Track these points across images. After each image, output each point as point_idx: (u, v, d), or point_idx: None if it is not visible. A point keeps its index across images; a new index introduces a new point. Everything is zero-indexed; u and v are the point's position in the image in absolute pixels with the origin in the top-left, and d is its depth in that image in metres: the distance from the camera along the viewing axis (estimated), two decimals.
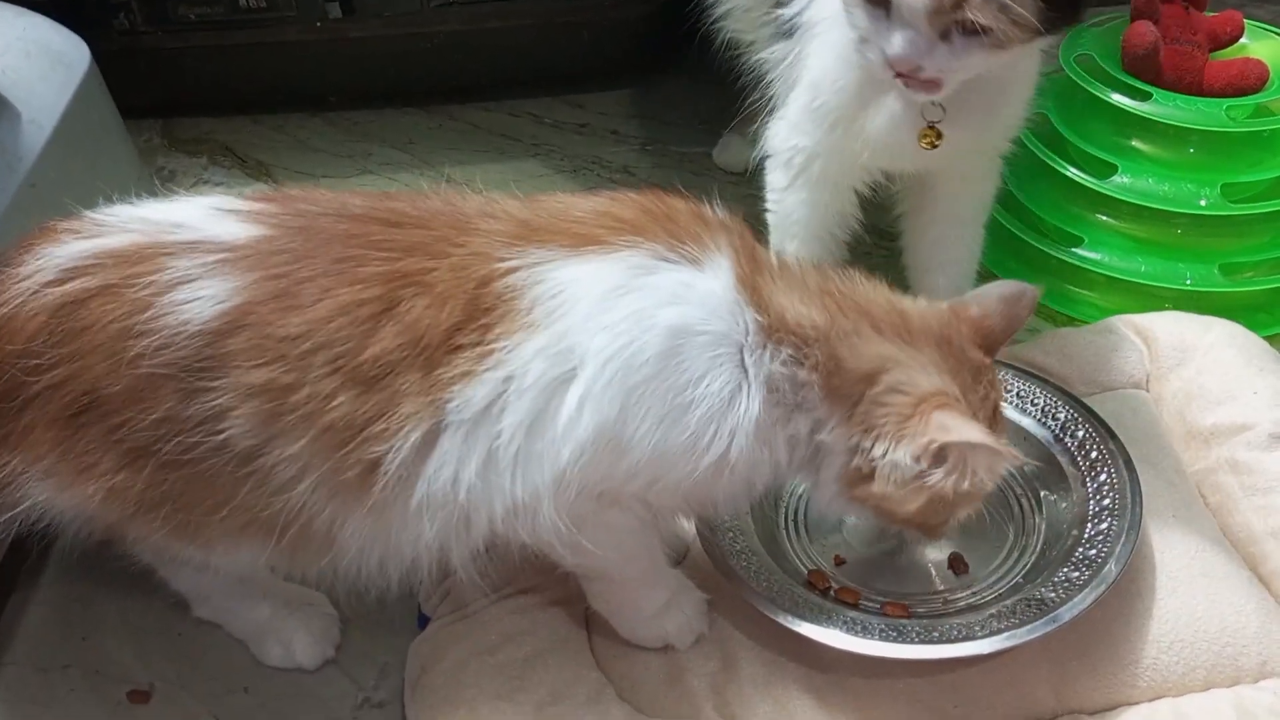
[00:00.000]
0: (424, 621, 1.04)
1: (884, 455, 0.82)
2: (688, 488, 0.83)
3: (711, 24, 1.36)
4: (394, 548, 0.86)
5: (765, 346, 0.81)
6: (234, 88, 1.80)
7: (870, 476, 0.84)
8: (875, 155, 1.14)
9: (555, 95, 1.84)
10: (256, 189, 1.42)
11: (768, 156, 1.21)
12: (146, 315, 0.79)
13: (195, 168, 1.72)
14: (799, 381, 0.82)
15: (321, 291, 0.80)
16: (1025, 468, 1.06)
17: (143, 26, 1.68)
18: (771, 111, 1.22)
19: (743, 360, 0.81)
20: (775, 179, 1.21)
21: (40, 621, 1.10)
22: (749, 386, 0.81)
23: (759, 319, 0.81)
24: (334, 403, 0.78)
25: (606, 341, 0.78)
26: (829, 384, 0.83)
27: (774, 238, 1.24)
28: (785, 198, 1.21)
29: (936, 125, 1.07)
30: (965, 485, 0.83)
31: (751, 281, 0.83)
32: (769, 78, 1.22)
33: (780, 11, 1.17)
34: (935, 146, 1.09)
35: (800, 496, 1.08)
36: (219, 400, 0.79)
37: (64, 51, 1.35)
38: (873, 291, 0.88)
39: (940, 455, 0.82)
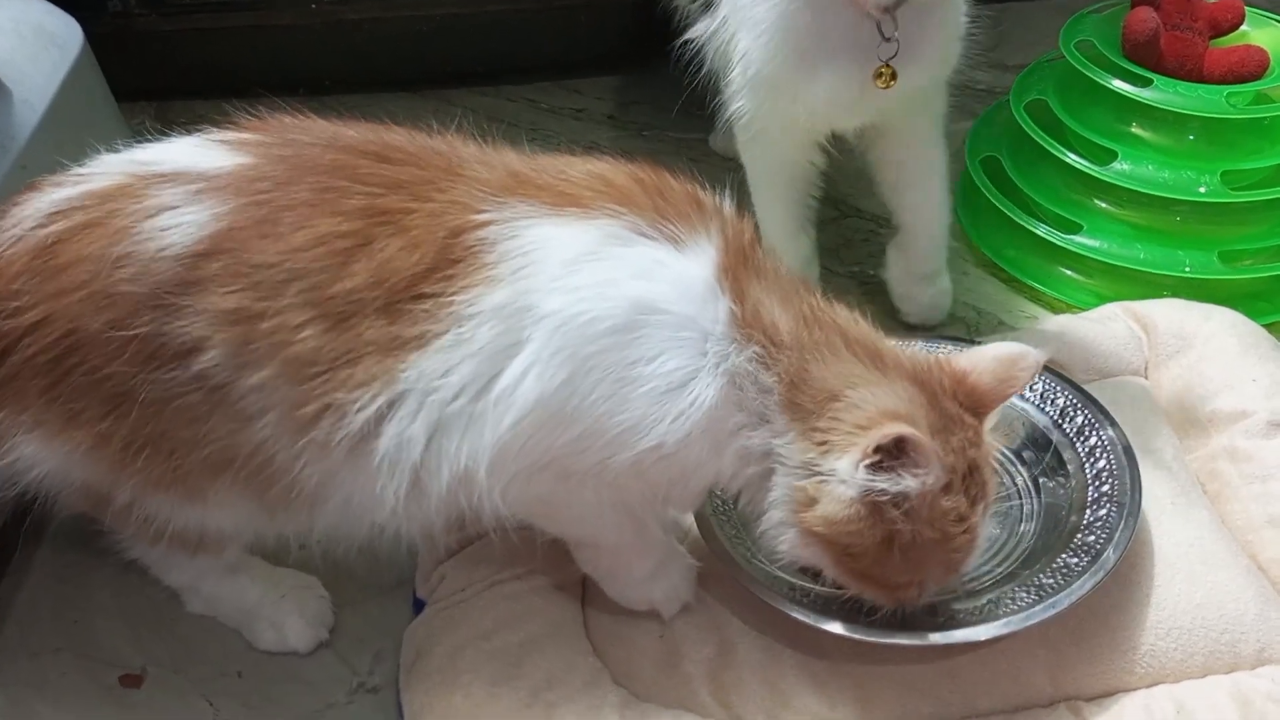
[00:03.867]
0: (419, 606, 1.04)
1: (832, 469, 0.78)
2: (631, 472, 0.80)
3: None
4: (358, 508, 0.85)
5: (734, 339, 0.79)
6: (228, 71, 1.78)
7: (815, 499, 0.79)
8: (821, 118, 1.17)
9: (552, 80, 1.83)
10: None
11: (730, 117, 1.25)
12: (126, 242, 0.80)
13: None
14: (763, 387, 0.80)
15: (301, 220, 0.79)
16: (1024, 452, 1.06)
17: (136, 9, 1.67)
18: (718, 81, 1.26)
19: (705, 348, 0.79)
20: (739, 133, 1.25)
21: (32, 605, 1.09)
22: (706, 377, 0.78)
23: (734, 309, 0.79)
24: (301, 335, 0.78)
25: (564, 305, 0.77)
26: (790, 396, 0.80)
27: (749, 180, 1.27)
28: (748, 148, 1.26)
29: (890, 63, 1.09)
30: (922, 516, 0.79)
31: (734, 273, 0.81)
32: (702, 53, 1.26)
33: None
34: (890, 86, 1.10)
35: None
36: (194, 326, 0.78)
37: (57, 33, 1.34)
38: (851, 318, 0.86)
39: (881, 461, 0.77)
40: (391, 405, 0.79)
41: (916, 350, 0.87)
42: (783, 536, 0.83)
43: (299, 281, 0.78)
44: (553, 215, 0.80)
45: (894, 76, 1.10)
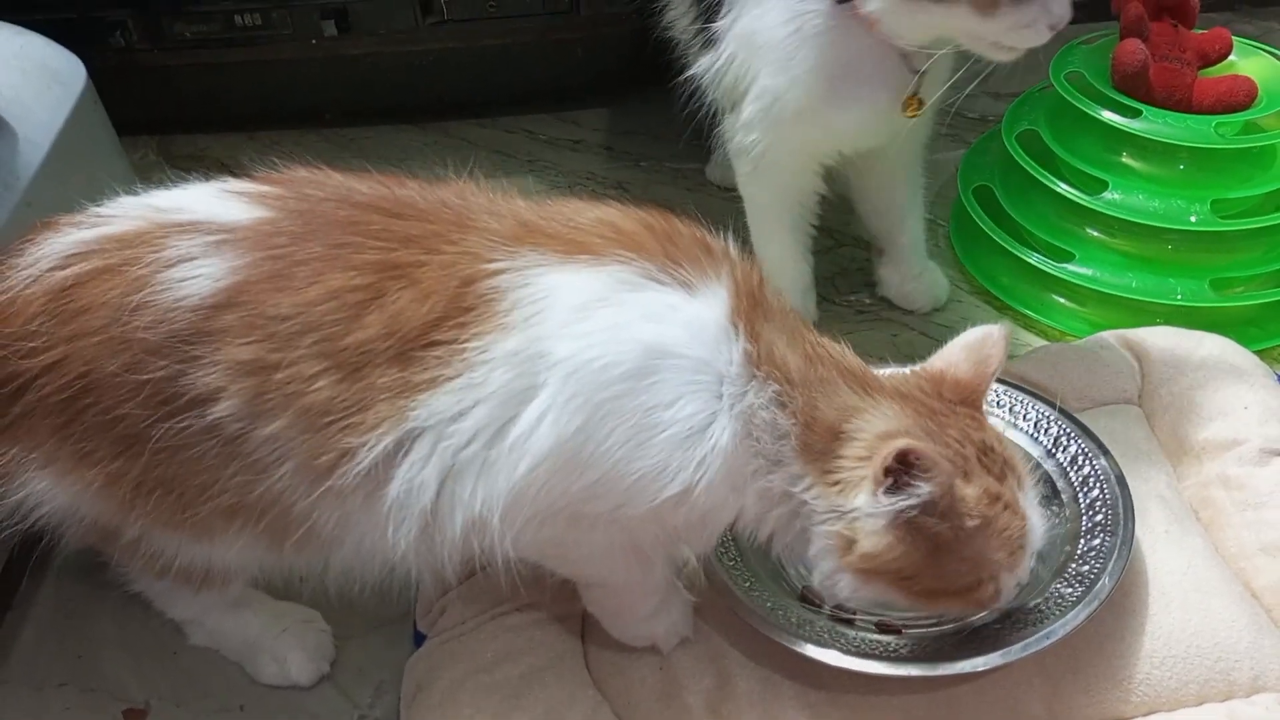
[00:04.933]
0: (420, 639, 1.04)
1: (855, 507, 0.80)
2: (649, 517, 0.81)
3: (661, 39, 1.42)
4: (370, 550, 0.86)
5: (751, 380, 0.80)
6: (230, 105, 1.81)
7: (853, 539, 0.80)
8: (843, 143, 1.22)
9: (550, 111, 1.85)
10: None
11: (731, 150, 1.28)
12: (144, 292, 0.81)
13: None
14: (780, 431, 0.81)
15: (315, 275, 0.80)
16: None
17: (139, 44, 1.69)
18: (719, 115, 1.30)
19: (720, 391, 0.79)
20: (740, 165, 1.28)
21: (36, 638, 1.10)
22: (723, 420, 0.79)
23: (749, 350, 0.80)
24: (315, 385, 0.79)
25: (576, 351, 0.78)
26: (805, 438, 0.81)
27: (748, 212, 1.32)
28: (751, 180, 1.29)
29: (918, 95, 1.16)
30: (956, 511, 0.80)
31: (748, 316, 0.81)
32: (704, 88, 1.28)
33: (710, 25, 1.22)
34: (918, 115, 1.18)
35: None
36: (210, 377, 0.79)
37: (60, 69, 1.35)
38: (841, 351, 0.87)
39: (895, 482, 0.78)
40: (401, 446, 0.79)
41: (899, 371, 0.90)
42: (840, 583, 0.84)
43: (313, 334, 0.79)
44: (563, 263, 0.80)
45: (920, 105, 1.15)
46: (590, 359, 0.77)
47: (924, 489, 0.78)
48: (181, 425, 0.80)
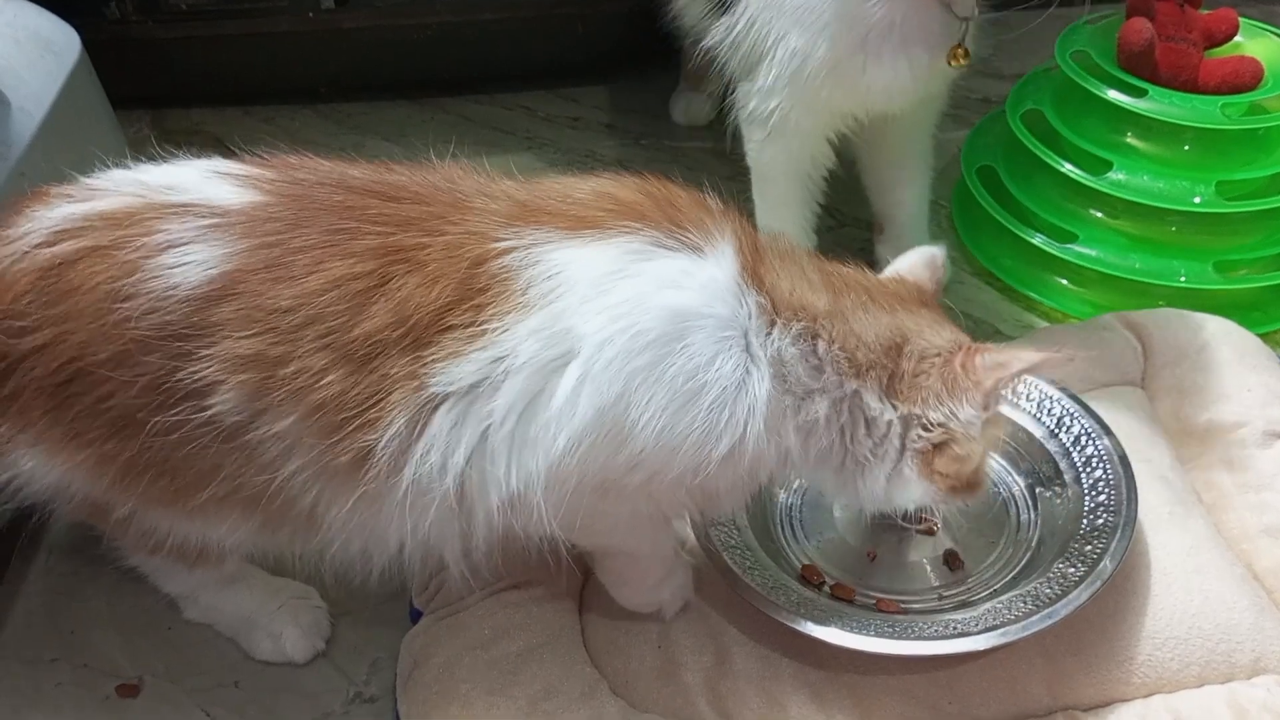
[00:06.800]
0: (416, 616, 1.03)
1: (953, 416, 0.83)
2: (693, 481, 0.81)
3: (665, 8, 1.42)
4: (381, 536, 0.85)
5: (773, 326, 0.80)
6: (225, 78, 1.79)
7: (945, 444, 0.84)
8: (875, 101, 1.20)
9: (548, 88, 1.84)
10: None
11: (743, 117, 1.27)
12: (134, 278, 0.79)
13: (186, 159, 1.70)
14: (817, 359, 0.82)
15: (314, 263, 0.78)
16: (1021, 462, 1.07)
17: (134, 16, 1.67)
18: (733, 82, 1.28)
19: (748, 343, 0.80)
20: (753, 133, 1.27)
21: (27, 614, 1.09)
22: (758, 368, 0.79)
23: (761, 302, 0.80)
24: (324, 380, 0.77)
25: (605, 323, 0.77)
26: (855, 359, 0.82)
27: (755, 183, 1.31)
28: (765, 148, 1.27)
29: (963, 44, 1.14)
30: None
31: (754, 269, 0.82)
32: (717, 54, 1.27)
33: None
34: (964, 63, 1.16)
35: (797, 491, 1.08)
36: (207, 371, 0.78)
37: (54, 40, 1.34)
38: (859, 272, 0.89)
39: (995, 393, 0.84)
40: (416, 423, 0.78)
41: (896, 278, 0.92)
42: (902, 491, 0.86)
43: (316, 325, 0.77)
44: (570, 239, 0.79)
45: (967, 54, 1.15)
46: (619, 330, 0.76)
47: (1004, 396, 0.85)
48: (177, 416, 0.79)
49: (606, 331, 0.77)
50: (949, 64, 1.16)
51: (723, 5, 1.23)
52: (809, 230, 1.33)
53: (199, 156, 0.89)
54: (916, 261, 0.93)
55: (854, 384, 0.83)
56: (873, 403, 0.83)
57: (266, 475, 0.80)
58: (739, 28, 1.20)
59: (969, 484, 0.86)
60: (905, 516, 0.92)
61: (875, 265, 1.41)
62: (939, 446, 0.84)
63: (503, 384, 0.77)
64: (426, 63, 1.78)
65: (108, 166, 0.89)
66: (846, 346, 0.82)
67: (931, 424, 0.83)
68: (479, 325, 0.77)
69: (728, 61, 1.26)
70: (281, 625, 1.04)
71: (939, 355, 0.84)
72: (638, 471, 0.80)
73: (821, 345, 0.82)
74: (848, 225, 1.53)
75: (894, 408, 0.83)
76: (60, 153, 1.24)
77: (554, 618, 0.99)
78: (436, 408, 0.78)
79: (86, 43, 1.35)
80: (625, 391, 0.77)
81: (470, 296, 0.78)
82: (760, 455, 0.81)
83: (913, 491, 0.86)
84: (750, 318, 0.80)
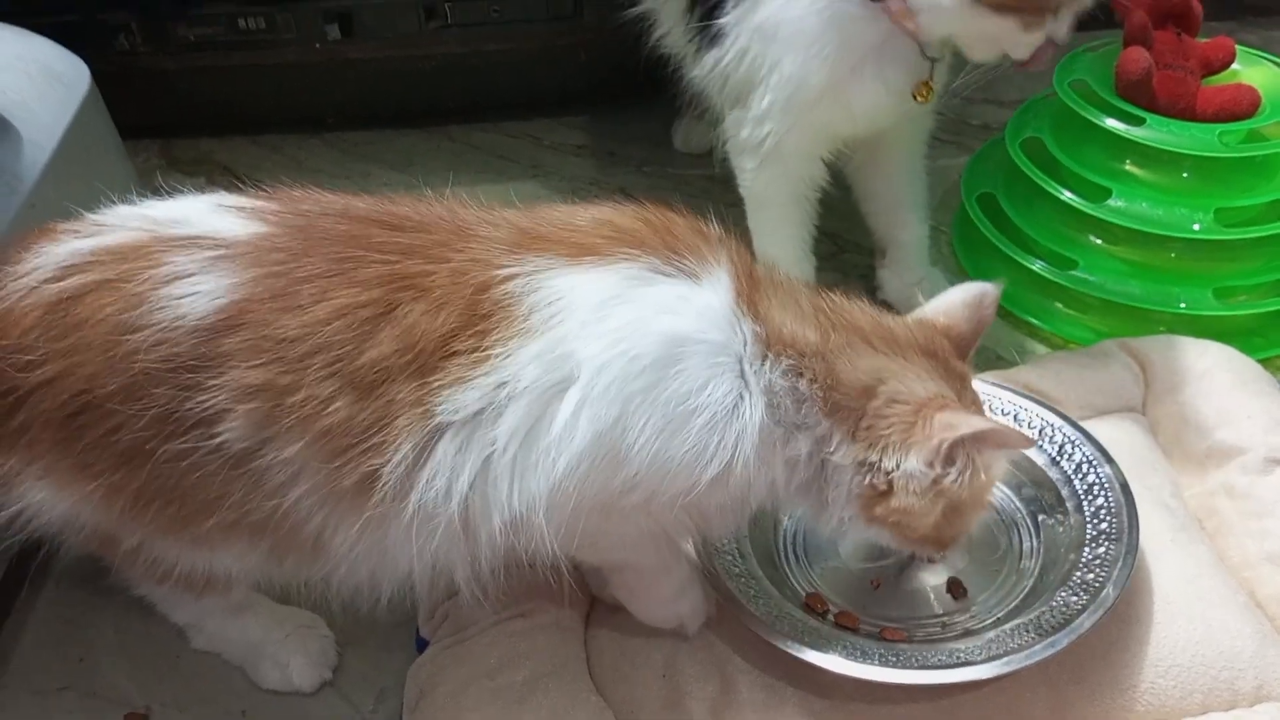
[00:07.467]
0: (422, 644, 1.04)
1: (897, 467, 0.83)
2: (685, 502, 0.82)
3: (651, 41, 1.45)
4: (388, 560, 0.85)
5: (765, 358, 0.82)
6: (233, 108, 1.81)
7: (887, 493, 0.84)
8: (860, 122, 1.24)
9: (553, 117, 1.85)
10: None
11: (733, 146, 1.30)
12: (141, 310, 0.80)
13: (194, 189, 1.71)
14: (800, 396, 0.83)
15: (320, 293, 0.80)
16: (1023, 489, 1.07)
17: (143, 48, 1.69)
18: (719, 112, 1.32)
19: (742, 370, 0.81)
20: (744, 162, 1.30)
21: (36, 643, 1.10)
22: (750, 396, 0.81)
23: (757, 330, 0.82)
24: (332, 407, 0.78)
25: (602, 348, 0.78)
26: (829, 399, 0.83)
27: (751, 211, 1.34)
28: (759, 174, 1.30)
29: (929, 81, 1.21)
30: (980, 479, 0.84)
31: (749, 297, 0.83)
32: (705, 85, 1.31)
33: (715, 21, 1.24)
34: (929, 100, 1.22)
35: (800, 519, 1.08)
36: (215, 400, 0.79)
37: (64, 72, 1.35)
38: (859, 309, 0.89)
39: (951, 455, 0.83)
40: (424, 450, 0.79)
41: (915, 321, 0.91)
42: (849, 530, 0.88)
43: (323, 354, 0.78)
44: (572, 266, 0.81)
45: (930, 91, 1.21)
46: (616, 355, 0.78)
47: (970, 462, 0.83)
48: (185, 445, 0.80)
49: (605, 356, 0.78)
50: (915, 99, 1.21)
51: (710, 38, 1.25)
52: (808, 254, 1.35)
53: (207, 186, 0.90)
54: (956, 300, 0.92)
55: (828, 423, 0.83)
56: (836, 443, 0.84)
57: (274, 500, 0.81)
58: (728, 59, 1.23)
59: (932, 539, 0.86)
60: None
61: (877, 290, 1.44)
62: (882, 494, 0.84)
63: (506, 409, 0.79)
64: (432, 92, 1.80)
65: (115, 201, 0.91)
66: (825, 385, 0.83)
67: (881, 471, 0.83)
68: (483, 350, 0.78)
69: (717, 92, 1.29)
70: (289, 654, 1.05)
71: (908, 404, 0.83)
72: (635, 493, 0.81)
73: (804, 382, 0.82)
74: (848, 251, 1.54)
75: (851, 450, 0.84)
76: (70, 184, 1.25)
77: (560, 646, 1.00)
78: (442, 433, 0.79)
79: (96, 74, 1.37)
80: (622, 415, 0.78)
81: (474, 322, 0.79)
82: (749, 481, 0.82)
83: (861, 534, 0.88)
84: (745, 345, 0.81)
